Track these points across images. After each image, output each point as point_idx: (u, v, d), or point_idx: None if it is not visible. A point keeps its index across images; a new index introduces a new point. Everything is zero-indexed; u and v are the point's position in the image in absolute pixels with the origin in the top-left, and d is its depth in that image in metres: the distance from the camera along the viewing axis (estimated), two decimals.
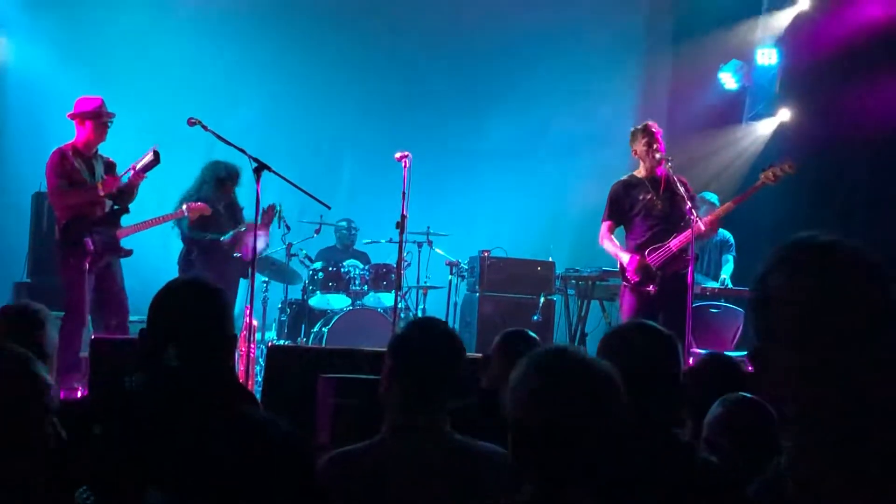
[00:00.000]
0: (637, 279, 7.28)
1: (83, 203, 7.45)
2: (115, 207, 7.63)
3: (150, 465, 2.47)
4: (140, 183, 7.61)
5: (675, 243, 7.22)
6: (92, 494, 2.40)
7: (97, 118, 7.48)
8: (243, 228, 8.35)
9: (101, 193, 7.47)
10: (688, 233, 7.16)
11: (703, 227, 7.14)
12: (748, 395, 3.21)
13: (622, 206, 7.45)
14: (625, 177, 7.57)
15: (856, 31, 9.79)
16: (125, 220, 7.75)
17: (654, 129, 7.38)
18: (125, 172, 7.58)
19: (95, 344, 5.65)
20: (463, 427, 2.95)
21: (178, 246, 8.68)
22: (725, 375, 3.68)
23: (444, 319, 3.21)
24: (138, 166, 7.52)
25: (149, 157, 7.49)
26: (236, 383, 2.89)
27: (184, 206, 8.14)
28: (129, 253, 7.68)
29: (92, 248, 7.36)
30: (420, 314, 9.75)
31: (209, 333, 2.65)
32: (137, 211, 7.87)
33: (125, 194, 7.63)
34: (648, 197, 7.37)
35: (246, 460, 2.51)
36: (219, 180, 8.45)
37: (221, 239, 8.36)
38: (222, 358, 2.69)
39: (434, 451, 2.84)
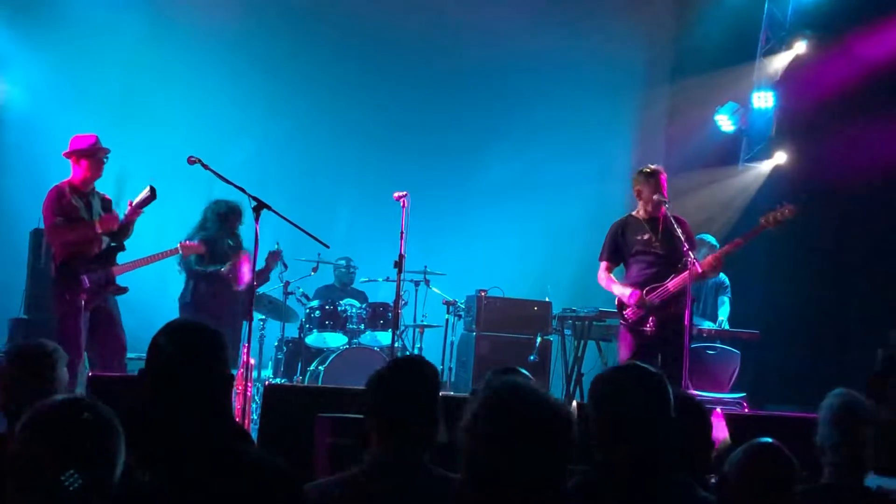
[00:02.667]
0: (635, 318, 7.25)
1: (81, 240, 7.45)
2: (112, 245, 7.64)
3: (140, 449, 2.49)
4: (136, 220, 7.62)
5: (672, 284, 7.19)
6: (80, 477, 2.40)
7: (92, 156, 7.48)
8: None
9: (99, 231, 7.48)
10: (685, 274, 7.14)
11: (699, 270, 7.13)
12: (768, 441, 3.18)
13: (621, 246, 7.43)
14: (623, 216, 7.56)
15: (852, 75, 9.87)
16: (121, 258, 7.75)
17: (662, 176, 7.39)
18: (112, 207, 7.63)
19: (93, 381, 5.64)
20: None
21: (175, 283, 8.68)
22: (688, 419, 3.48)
23: (426, 359, 3.25)
24: (135, 203, 7.54)
25: (145, 193, 7.49)
26: (232, 422, 2.90)
27: (178, 245, 8.17)
28: (124, 290, 7.67)
29: (87, 284, 7.35)
30: (417, 353, 9.74)
31: (207, 374, 2.67)
32: (135, 248, 7.87)
33: (122, 231, 7.63)
34: (647, 237, 7.35)
35: (241, 498, 2.51)
36: (220, 217, 8.50)
37: (221, 269, 8.38)
38: (219, 398, 2.71)
39: (408, 484, 2.86)
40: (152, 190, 7.46)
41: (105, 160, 7.54)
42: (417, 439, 2.99)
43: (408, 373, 3.13)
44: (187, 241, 8.21)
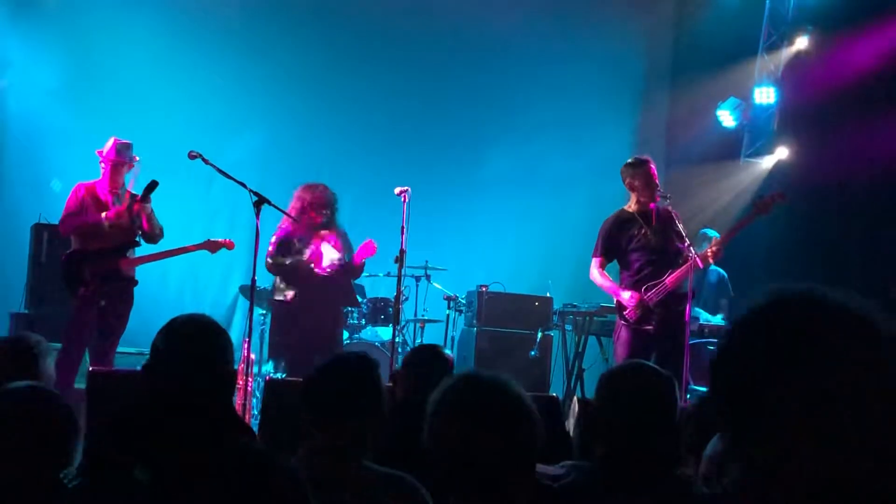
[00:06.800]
0: (636, 318, 7.20)
1: (86, 233, 7.56)
2: (130, 240, 7.67)
3: (139, 448, 2.49)
4: (145, 213, 7.62)
5: (670, 280, 7.15)
6: (78, 475, 2.41)
7: (113, 163, 7.64)
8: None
9: (106, 224, 7.52)
10: (683, 268, 7.13)
11: (701, 265, 7.13)
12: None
13: (616, 242, 7.35)
14: (616, 212, 7.50)
15: (853, 71, 9.86)
16: (139, 252, 7.77)
17: (651, 165, 7.37)
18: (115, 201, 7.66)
19: (93, 376, 5.63)
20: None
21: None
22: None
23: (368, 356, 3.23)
24: (140, 197, 7.58)
25: (147, 188, 7.56)
26: (235, 417, 2.91)
27: (206, 240, 8.10)
28: (131, 282, 7.66)
29: (89, 278, 7.40)
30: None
31: (210, 370, 2.67)
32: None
33: (133, 225, 7.65)
34: (643, 231, 7.30)
35: (243, 493, 2.51)
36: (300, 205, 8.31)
37: (300, 260, 8.14)
38: (222, 394, 2.71)
39: (332, 473, 2.88)
40: (154, 182, 7.52)
41: (126, 170, 7.67)
42: (341, 428, 3.02)
43: (335, 364, 3.15)
44: (216, 239, 8.13)
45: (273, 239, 8.22)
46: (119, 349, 7.85)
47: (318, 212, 8.22)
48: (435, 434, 2.24)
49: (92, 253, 7.52)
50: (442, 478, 2.22)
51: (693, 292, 7.28)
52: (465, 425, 2.20)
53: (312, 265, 8.13)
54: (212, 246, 8.09)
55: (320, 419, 3.00)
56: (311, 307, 8.09)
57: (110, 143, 7.70)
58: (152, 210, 7.69)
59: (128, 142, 7.74)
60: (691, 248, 7.12)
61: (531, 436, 2.23)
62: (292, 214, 8.04)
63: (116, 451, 2.52)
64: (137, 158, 7.76)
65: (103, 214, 7.53)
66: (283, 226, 8.19)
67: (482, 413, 2.21)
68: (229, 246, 8.15)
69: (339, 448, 2.93)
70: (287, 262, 8.15)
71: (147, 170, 7.82)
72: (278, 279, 8.31)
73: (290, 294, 8.17)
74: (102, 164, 7.69)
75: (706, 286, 9.42)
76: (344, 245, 8.32)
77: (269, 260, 8.18)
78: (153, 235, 7.73)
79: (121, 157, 7.66)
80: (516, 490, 2.20)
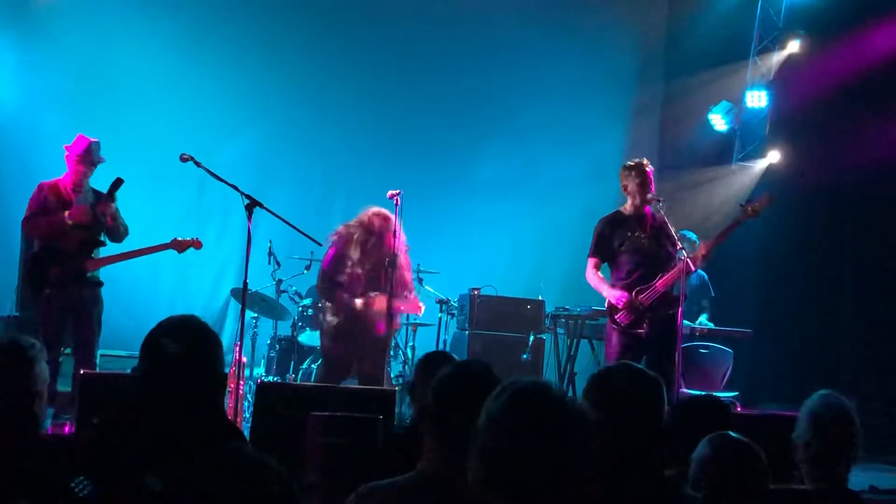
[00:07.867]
0: (627, 322, 7.20)
1: (50, 232, 7.48)
2: (94, 239, 7.59)
3: (148, 454, 2.48)
4: (111, 211, 7.54)
5: (660, 283, 7.15)
6: (89, 483, 2.39)
7: (80, 158, 7.56)
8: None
9: (69, 221, 7.45)
10: (673, 272, 7.12)
11: (693, 268, 7.13)
12: (735, 436, 3.20)
13: (609, 243, 7.37)
14: (611, 213, 7.52)
15: (845, 74, 9.89)
16: (105, 252, 7.71)
17: (647, 168, 7.36)
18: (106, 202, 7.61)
19: (85, 379, 5.62)
20: None
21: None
22: (713, 418, 3.68)
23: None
24: (105, 195, 7.53)
25: (112, 186, 7.53)
26: (225, 420, 2.89)
27: (172, 239, 7.99)
28: (96, 283, 7.60)
29: (53, 279, 7.35)
30: (409, 352, 9.72)
31: (203, 373, 2.66)
32: (126, 245, 7.81)
33: (97, 224, 7.57)
34: (635, 234, 7.31)
35: (233, 496, 2.50)
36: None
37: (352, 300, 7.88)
38: (213, 396, 2.69)
39: (465, 497, 2.79)
40: (119, 180, 7.47)
41: (93, 166, 7.57)
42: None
43: (469, 380, 2.93)
44: (182, 239, 8.05)
45: (324, 267, 8.00)
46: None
47: (384, 251, 7.97)
48: (489, 452, 2.16)
49: (57, 254, 7.45)
50: (497, 498, 2.14)
51: (684, 295, 7.28)
52: (527, 440, 2.12)
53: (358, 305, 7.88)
54: (178, 245, 7.87)
55: (443, 443, 2.79)
56: (355, 334, 7.92)
57: (78, 139, 7.63)
58: (117, 208, 7.61)
59: (96, 140, 7.67)
60: (684, 252, 7.11)
61: (588, 439, 2.17)
62: (358, 236, 7.93)
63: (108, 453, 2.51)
64: (103, 159, 7.68)
65: (66, 213, 7.47)
66: (329, 252, 7.98)
67: (544, 426, 2.14)
68: (196, 245, 7.94)
69: (450, 479, 2.73)
70: (334, 295, 7.92)
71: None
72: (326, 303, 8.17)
73: (334, 320, 8.00)
74: (68, 160, 7.57)
75: (688, 288, 9.42)
76: (406, 266, 8.19)
77: (320, 284, 8.05)
78: (118, 234, 7.64)
79: (88, 154, 7.57)
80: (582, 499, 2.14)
